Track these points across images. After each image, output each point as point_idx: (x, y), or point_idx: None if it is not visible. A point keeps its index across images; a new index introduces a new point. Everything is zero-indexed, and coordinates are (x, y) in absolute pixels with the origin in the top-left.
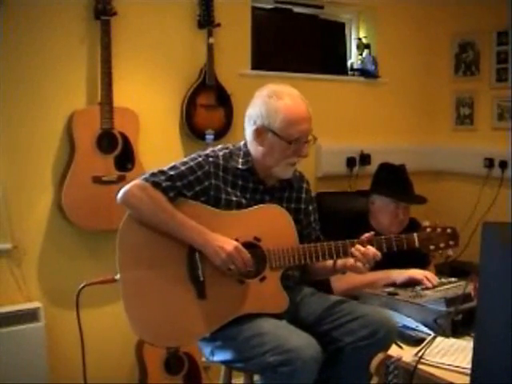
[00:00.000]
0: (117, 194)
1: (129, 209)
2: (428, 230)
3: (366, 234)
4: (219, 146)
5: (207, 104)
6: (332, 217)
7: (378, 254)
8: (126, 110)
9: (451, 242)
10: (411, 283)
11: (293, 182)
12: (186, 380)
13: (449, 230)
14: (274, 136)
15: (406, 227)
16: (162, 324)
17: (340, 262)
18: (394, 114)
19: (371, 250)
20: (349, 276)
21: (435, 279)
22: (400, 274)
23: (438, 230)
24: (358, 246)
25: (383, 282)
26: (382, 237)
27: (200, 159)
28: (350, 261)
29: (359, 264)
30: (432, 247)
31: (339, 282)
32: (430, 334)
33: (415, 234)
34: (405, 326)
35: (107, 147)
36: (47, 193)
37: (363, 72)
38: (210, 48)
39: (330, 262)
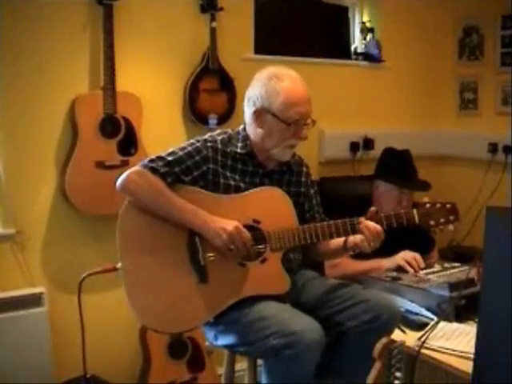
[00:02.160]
0: (116, 181)
1: (128, 195)
2: (427, 205)
3: (372, 208)
4: (218, 131)
5: (210, 88)
6: (335, 202)
7: (379, 229)
8: (128, 95)
9: (451, 217)
10: (401, 270)
11: (292, 165)
12: (190, 364)
13: (448, 205)
14: (273, 118)
15: None
16: (164, 310)
17: (351, 239)
18: (398, 98)
19: (377, 227)
20: (342, 264)
21: (420, 262)
22: (390, 262)
23: (438, 205)
24: (366, 223)
25: (375, 271)
26: (382, 214)
27: (198, 144)
28: (359, 237)
29: (365, 243)
30: (432, 222)
31: (333, 270)
32: (433, 319)
33: (414, 210)
34: (408, 311)
35: (110, 132)
36: (50, 178)
37: (367, 56)
38: (213, 32)
39: (339, 242)
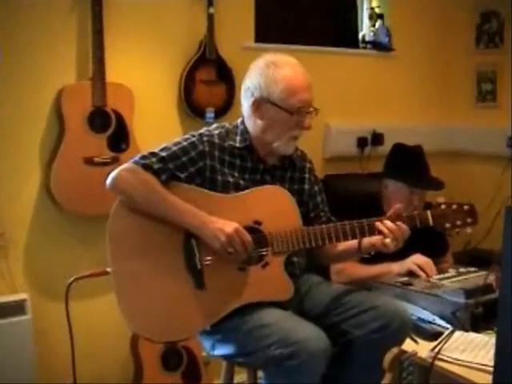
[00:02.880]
0: (106, 179)
1: (119, 194)
2: (443, 206)
3: (395, 206)
4: (214, 125)
5: (207, 79)
6: (341, 201)
7: (407, 230)
8: (119, 86)
9: (469, 220)
10: (412, 275)
11: (295, 160)
12: (185, 376)
13: (466, 207)
14: (274, 107)
15: None
16: (158, 317)
17: (366, 240)
18: (410, 89)
19: (402, 226)
20: (349, 269)
21: (433, 269)
22: (401, 266)
23: (454, 206)
24: (385, 222)
25: (384, 276)
26: (373, 219)
27: (194, 139)
28: (377, 237)
29: (387, 240)
30: (448, 225)
31: (339, 275)
32: (447, 328)
33: (429, 211)
34: (420, 319)
35: (99, 126)
36: (34, 175)
37: (376, 44)
38: (211, 19)
39: (351, 244)
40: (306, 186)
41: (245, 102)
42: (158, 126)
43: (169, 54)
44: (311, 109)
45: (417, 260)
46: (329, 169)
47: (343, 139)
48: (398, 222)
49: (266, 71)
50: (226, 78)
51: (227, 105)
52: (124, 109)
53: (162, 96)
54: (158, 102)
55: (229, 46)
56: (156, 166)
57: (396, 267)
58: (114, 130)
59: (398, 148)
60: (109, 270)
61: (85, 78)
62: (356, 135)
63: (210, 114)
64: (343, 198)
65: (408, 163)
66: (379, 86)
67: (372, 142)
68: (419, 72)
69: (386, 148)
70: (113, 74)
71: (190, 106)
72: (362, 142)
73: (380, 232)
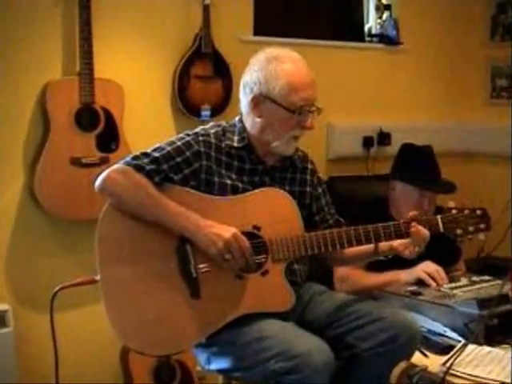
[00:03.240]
0: (94, 182)
1: (108, 197)
2: (454, 211)
3: (412, 213)
4: (210, 124)
5: (203, 75)
6: (346, 205)
7: (428, 234)
8: (108, 82)
9: (482, 226)
10: (422, 283)
11: (295, 161)
12: None
13: (478, 212)
14: (274, 105)
15: None
16: (150, 329)
17: (385, 244)
18: (419, 86)
19: (420, 229)
20: (353, 277)
21: (444, 278)
22: (409, 275)
23: (466, 211)
24: (415, 225)
25: (392, 284)
26: (401, 221)
27: (188, 138)
28: (397, 242)
29: (414, 247)
30: (459, 231)
31: (343, 283)
32: (460, 341)
33: (439, 217)
34: (430, 331)
35: (87, 124)
36: (17, 177)
37: (383, 38)
38: (206, 10)
39: (365, 247)
40: (308, 189)
41: (243, 99)
42: (149, 124)
43: (162, 47)
44: (314, 107)
45: (427, 268)
46: (332, 170)
47: (348, 139)
48: (419, 226)
49: (266, 66)
50: (223, 73)
51: (224, 102)
52: (113, 106)
53: (154, 93)
54: (149, 100)
55: (226, 40)
56: (148, 167)
57: (404, 275)
58: (102, 129)
59: (407, 148)
60: (97, 278)
61: (72, 74)
62: (361, 135)
63: (205, 112)
64: (347, 202)
65: (417, 164)
66: (386, 81)
67: (378, 141)
68: (429, 67)
69: (393, 148)
70: (101, 69)
71: (185, 104)
72: (367, 142)
73: (398, 236)
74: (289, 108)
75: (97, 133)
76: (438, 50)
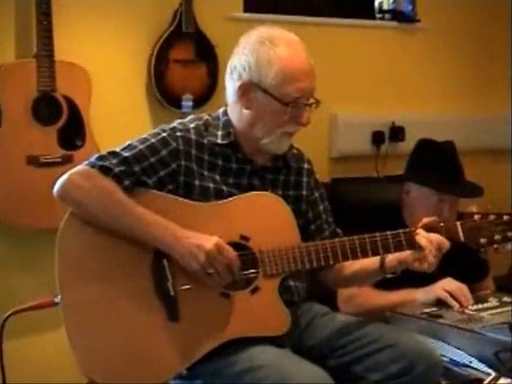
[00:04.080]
0: (53, 186)
1: (70, 205)
2: (476, 217)
3: (426, 219)
4: (190, 117)
5: (184, 59)
6: (351, 212)
7: (446, 242)
8: (72, 67)
9: (510, 233)
10: (442, 304)
11: (289, 160)
12: None
13: (506, 217)
14: (265, 95)
15: None
16: (119, 359)
17: (392, 258)
18: (438, 72)
19: (436, 236)
20: (361, 296)
21: (468, 297)
22: (427, 293)
23: (491, 217)
24: (421, 231)
25: (406, 305)
26: (412, 228)
27: (164, 134)
28: (406, 254)
29: (430, 258)
30: (483, 241)
31: (348, 303)
32: (489, 374)
33: (458, 223)
34: (453, 361)
35: (47, 117)
36: None
37: (396, 14)
38: None
39: (369, 261)
40: (304, 192)
41: (229, 86)
42: (121, 117)
43: (135, 26)
44: (311, 100)
45: (448, 285)
46: (336, 171)
47: (354, 134)
48: (434, 234)
49: (258, 49)
50: (208, 57)
51: (209, 91)
52: (78, 95)
53: (126, 79)
54: (121, 88)
55: (211, 17)
56: (117, 169)
57: (421, 294)
58: (65, 122)
59: (424, 145)
60: (57, 299)
61: (27, 56)
62: (370, 129)
63: (187, 102)
64: (354, 208)
65: (436, 163)
66: (399, 66)
67: (390, 137)
68: (450, 49)
69: (407, 145)
70: (63, 52)
71: (163, 93)
72: (377, 138)
73: (412, 246)
74: (282, 100)
75: (58, 126)
76: (462, 29)
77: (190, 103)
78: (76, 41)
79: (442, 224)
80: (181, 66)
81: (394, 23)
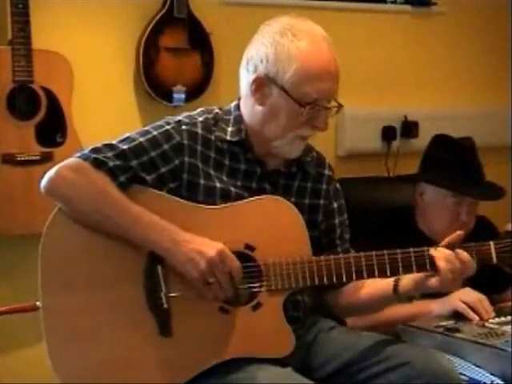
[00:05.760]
0: (40, 181)
1: (58, 201)
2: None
3: (457, 233)
4: (199, 110)
5: (175, 47)
6: (359, 215)
7: (473, 268)
8: (52, 55)
9: None
10: (459, 317)
11: (307, 166)
12: None
13: None
14: (281, 93)
15: (470, 232)
16: (104, 374)
17: (406, 281)
18: (456, 61)
19: (464, 254)
20: None
21: (488, 310)
22: (443, 305)
23: None
24: (442, 249)
25: (420, 318)
26: (438, 246)
27: (168, 127)
28: (420, 275)
29: (449, 276)
30: None
31: (355, 318)
32: None
33: (492, 244)
34: (472, 381)
35: (24, 110)
36: None
37: None
38: None
39: (381, 285)
40: (322, 201)
41: (244, 78)
42: (106, 111)
43: (122, 10)
44: (333, 103)
45: (466, 296)
46: (343, 170)
47: (363, 130)
48: (459, 251)
49: (278, 40)
50: (201, 44)
51: (203, 82)
52: (59, 87)
53: (112, 70)
54: (106, 79)
55: (205, 1)
56: (112, 164)
57: (436, 306)
58: (44, 116)
59: (440, 141)
60: (39, 304)
61: (2, 43)
62: (381, 124)
63: (178, 94)
64: (362, 211)
65: (453, 162)
66: (414, 55)
67: (402, 133)
68: (469, 36)
69: (421, 141)
70: (42, 39)
71: (152, 84)
72: (388, 134)
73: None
74: (299, 100)
75: (37, 121)
76: (482, 14)
77: (182, 96)
78: (56, 26)
79: (473, 245)
80: (172, 55)
81: (408, 7)
